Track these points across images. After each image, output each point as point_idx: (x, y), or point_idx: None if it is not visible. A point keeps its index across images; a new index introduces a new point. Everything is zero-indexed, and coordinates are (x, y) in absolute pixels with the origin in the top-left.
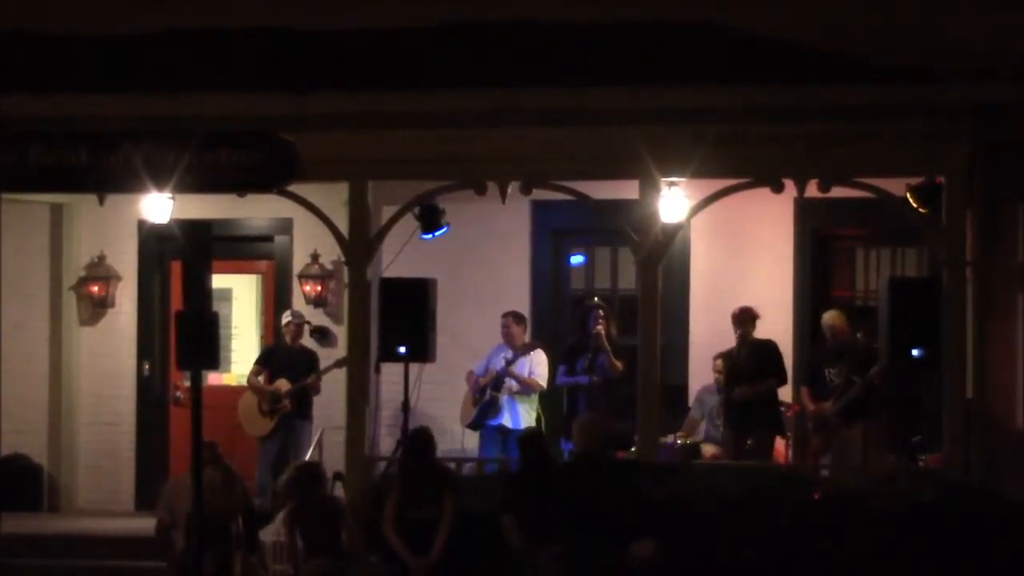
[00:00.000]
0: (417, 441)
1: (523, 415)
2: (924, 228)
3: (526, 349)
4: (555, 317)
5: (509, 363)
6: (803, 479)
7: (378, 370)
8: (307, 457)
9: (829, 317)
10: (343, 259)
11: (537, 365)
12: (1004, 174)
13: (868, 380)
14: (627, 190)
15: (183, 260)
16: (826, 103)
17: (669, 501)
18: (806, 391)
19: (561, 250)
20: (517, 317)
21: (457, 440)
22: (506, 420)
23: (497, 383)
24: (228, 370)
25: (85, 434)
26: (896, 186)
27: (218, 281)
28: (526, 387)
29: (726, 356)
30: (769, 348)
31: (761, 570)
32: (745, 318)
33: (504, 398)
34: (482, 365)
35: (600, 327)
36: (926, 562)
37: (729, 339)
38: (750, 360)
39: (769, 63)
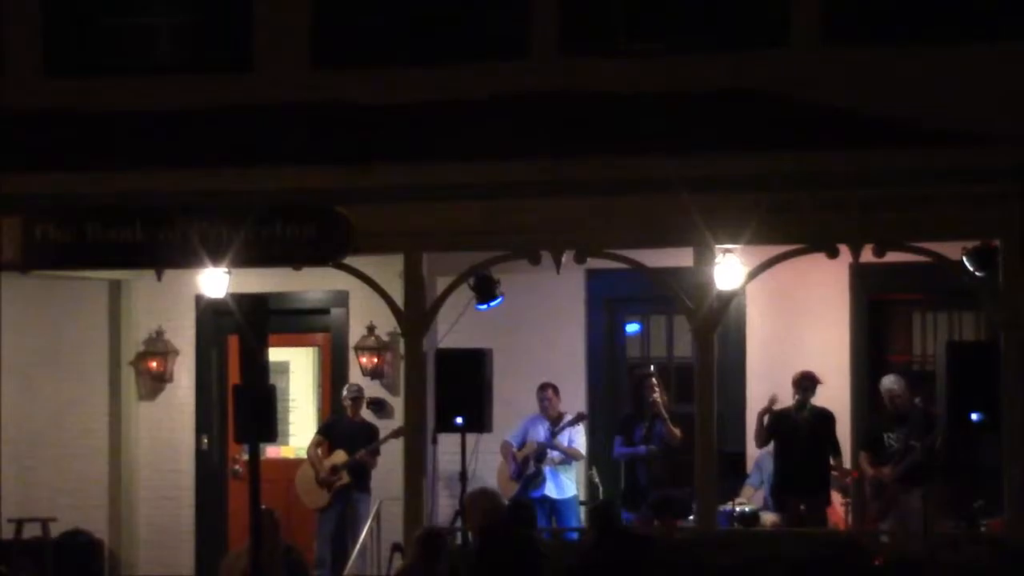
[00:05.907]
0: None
1: (566, 484)
2: (980, 291)
3: (573, 420)
4: (610, 386)
5: (555, 434)
6: (863, 545)
7: (435, 441)
8: (365, 529)
9: (888, 381)
10: (399, 331)
11: (577, 434)
12: None
13: (928, 445)
14: (682, 258)
15: (240, 334)
16: (879, 168)
17: (730, 570)
18: (866, 456)
19: (616, 319)
20: (555, 388)
21: None
22: (550, 491)
23: (541, 455)
24: (286, 443)
25: (145, 508)
26: (951, 250)
27: (275, 354)
28: (569, 457)
29: (782, 416)
30: (825, 417)
31: None
32: (806, 384)
33: (547, 469)
34: (518, 435)
35: (656, 395)
36: None
37: (787, 404)
38: (808, 427)
39: (822, 129)
